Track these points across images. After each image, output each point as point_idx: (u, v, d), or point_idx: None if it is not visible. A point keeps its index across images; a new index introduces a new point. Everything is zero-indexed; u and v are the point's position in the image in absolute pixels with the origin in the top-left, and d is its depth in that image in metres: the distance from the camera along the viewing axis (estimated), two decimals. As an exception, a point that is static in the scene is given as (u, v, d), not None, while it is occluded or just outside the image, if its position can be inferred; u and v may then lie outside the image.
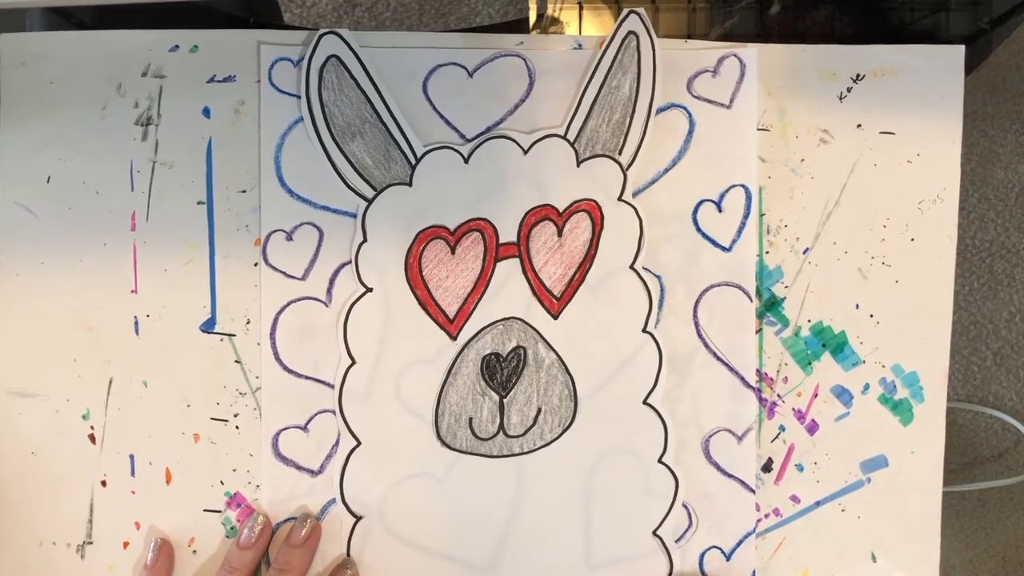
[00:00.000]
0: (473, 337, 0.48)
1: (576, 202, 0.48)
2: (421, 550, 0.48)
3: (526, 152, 0.48)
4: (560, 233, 0.48)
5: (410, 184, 0.48)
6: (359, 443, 0.48)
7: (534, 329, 0.48)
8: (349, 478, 0.48)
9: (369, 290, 0.48)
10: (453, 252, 0.48)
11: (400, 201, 0.48)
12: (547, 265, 0.48)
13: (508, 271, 0.48)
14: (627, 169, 0.48)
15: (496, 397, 0.48)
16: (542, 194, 0.48)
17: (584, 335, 0.48)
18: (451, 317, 0.48)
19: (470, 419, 0.48)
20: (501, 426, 0.48)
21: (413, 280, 0.48)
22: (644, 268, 0.48)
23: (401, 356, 0.48)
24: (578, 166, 0.48)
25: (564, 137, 0.48)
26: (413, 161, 0.48)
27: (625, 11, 0.48)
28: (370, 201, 0.48)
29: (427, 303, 0.48)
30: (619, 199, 0.48)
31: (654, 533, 0.49)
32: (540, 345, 0.48)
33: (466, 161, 0.48)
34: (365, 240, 0.48)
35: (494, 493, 0.49)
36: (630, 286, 0.48)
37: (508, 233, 0.48)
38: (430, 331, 0.48)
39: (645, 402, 0.48)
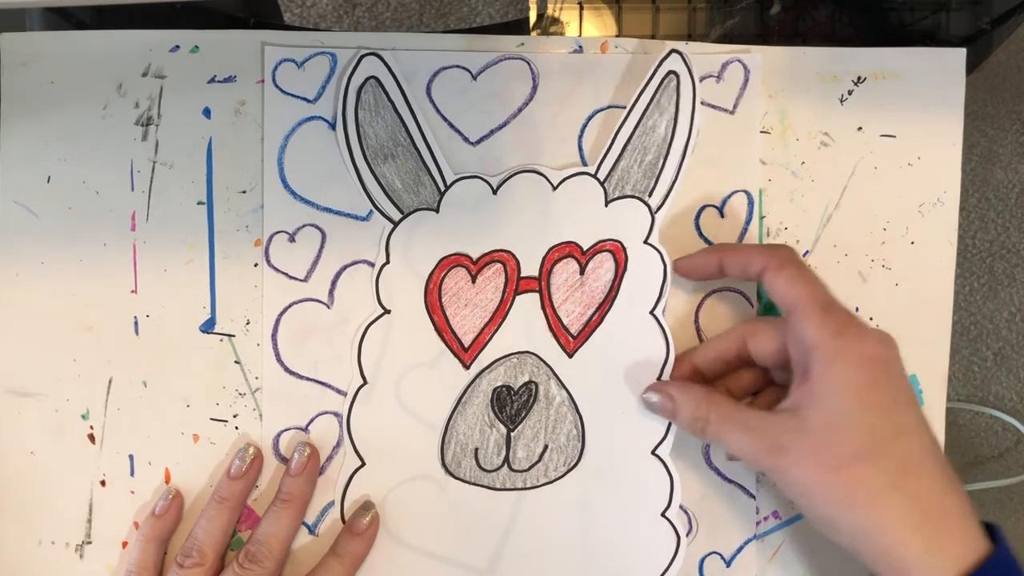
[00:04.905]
0: (486, 368, 0.48)
1: (601, 241, 0.48)
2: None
3: (555, 188, 0.48)
4: (582, 271, 0.48)
5: (437, 211, 0.48)
6: (363, 463, 0.48)
7: (548, 365, 0.48)
8: (351, 497, 0.48)
9: (387, 312, 0.48)
10: (474, 281, 0.48)
11: (426, 227, 0.48)
12: (566, 303, 0.48)
13: (527, 305, 0.48)
14: (656, 212, 0.48)
15: (504, 430, 0.48)
16: (568, 231, 0.48)
17: (598, 377, 0.48)
18: (466, 346, 0.48)
19: (476, 449, 0.48)
20: (506, 459, 0.48)
21: (432, 306, 0.48)
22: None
23: (413, 381, 0.48)
24: (606, 205, 0.48)
25: (594, 176, 0.48)
26: (442, 188, 0.48)
27: (667, 49, 0.47)
28: (396, 224, 0.48)
29: (443, 330, 0.48)
30: (645, 242, 0.48)
31: None
32: (552, 382, 0.48)
33: (494, 192, 0.48)
34: (388, 262, 0.48)
35: (493, 520, 0.48)
36: (648, 332, 0.48)
37: (530, 267, 0.48)
38: (444, 358, 0.48)
39: (654, 452, 0.48)
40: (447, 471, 0.48)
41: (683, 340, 0.49)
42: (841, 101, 0.50)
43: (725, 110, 0.49)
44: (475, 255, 0.48)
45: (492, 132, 0.49)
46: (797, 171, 0.50)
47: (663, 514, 0.48)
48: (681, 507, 0.49)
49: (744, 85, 0.49)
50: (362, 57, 0.47)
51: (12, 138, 0.48)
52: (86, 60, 0.48)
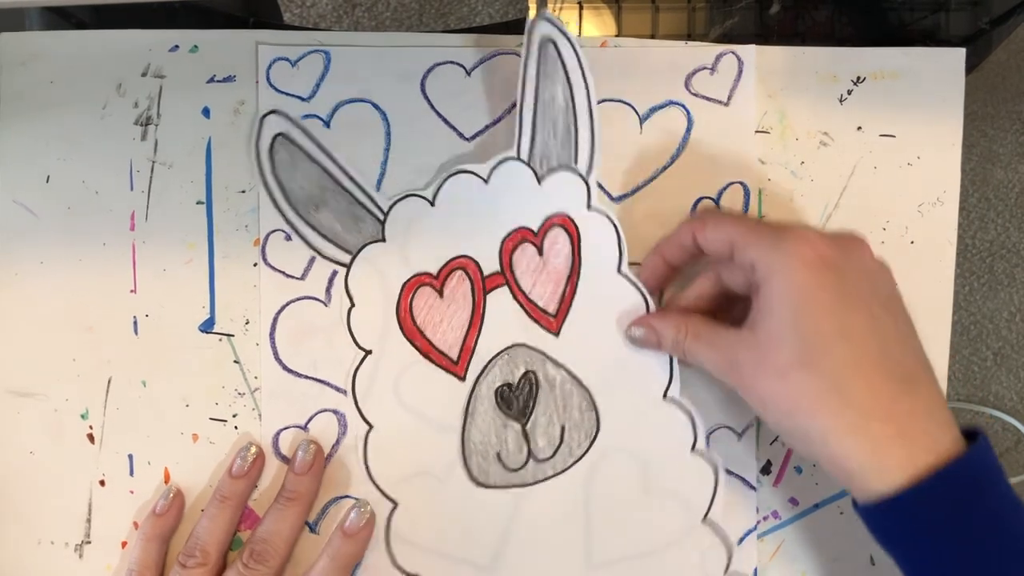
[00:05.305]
0: (481, 373, 0.48)
1: (548, 218, 0.48)
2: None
3: (487, 181, 0.47)
4: (541, 252, 0.48)
5: (384, 239, 0.48)
6: (396, 504, 0.48)
7: (538, 351, 0.48)
8: (395, 539, 0.48)
9: (368, 353, 0.48)
10: (441, 295, 0.48)
11: (378, 258, 0.48)
12: (536, 286, 0.48)
13: (499, 301, 0.48)
14: (587, 177, 0.47)
15: (518, 426, 0.48)
16: (514, 219, 0.48)
17: (589, 345, 0.48)
18: (455, 359, 0.48)
19: (497, 453, 0.48)
20: (529, 453, 0.48)
21: (409, 333, 0.48)
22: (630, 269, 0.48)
23: (416, 410, 0.48)
24: (540, 183, 0.47)
25: (517, 158, 0.47)
26: (381, 216, 0.48)
27: (531, 19, 0.46)
28: (349, 266, 0.48)
29: (429, 352, 0.48)
30: (588, 208, 0.48)
31: (704, 520, 0.48)
32: (548, 365, 0.48)
33: (432, 204, 0.48)
34: (353, 305, 0.48)
35: (531, 512, 0.48)
36: (622, 290, 0.48)
37: (491, 264, 0.48)
38: (438, 378, 0.48)
39: (665, 397, 0.48)
40: (477, 483, 0.48)
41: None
42: (840, 101, 0.50)
43: (719, 102, 0.49)
44: (435, 270, 0.48)
45: (487, 127, 0.49)
46: (796, 171, 0.50)
47: (693, 450, 0.48)
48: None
49: (738, 77, 0.49)
50: (264, 117, 0.47)
51: (11, 138, 0.48)
52: (85, 60, 0.48)
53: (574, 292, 0.48)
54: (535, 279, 0.48)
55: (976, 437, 0.39)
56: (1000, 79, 1.25)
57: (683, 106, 0.49)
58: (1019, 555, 0.37)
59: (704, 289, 0.46)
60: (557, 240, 0.48)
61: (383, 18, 1.16)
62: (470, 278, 0.48)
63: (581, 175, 0.47)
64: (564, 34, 0.46)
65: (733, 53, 0.49)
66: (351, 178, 0.48)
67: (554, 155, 0.47)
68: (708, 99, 0.49)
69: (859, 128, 0.50)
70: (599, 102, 0.48)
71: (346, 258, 0.48)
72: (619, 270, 0.48)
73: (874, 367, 0.39)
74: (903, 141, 0.50)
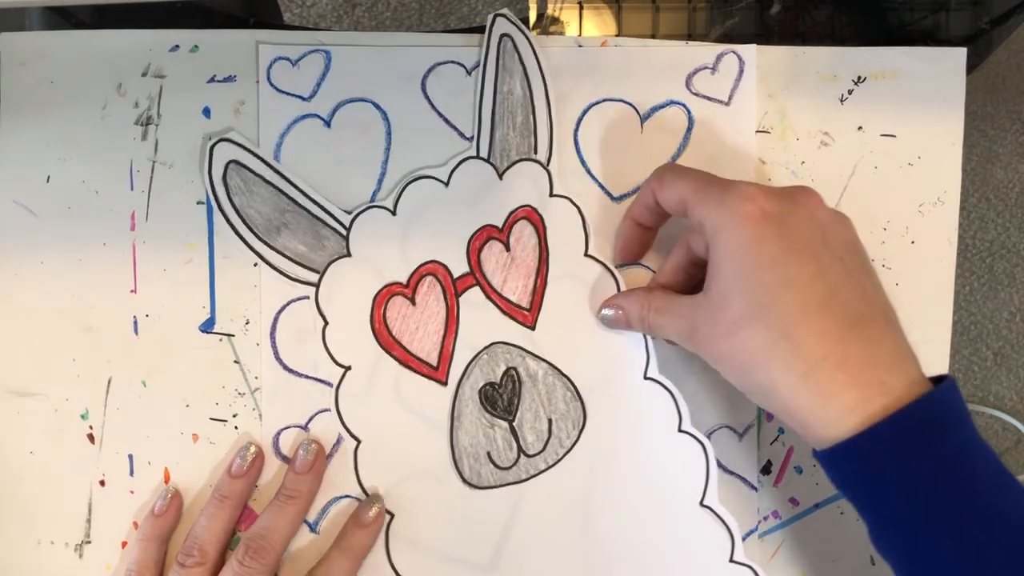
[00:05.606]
0: (463, 375, 0.48)
1: (512, 212, 0.48)
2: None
3: (447, 184, 0.48)
4: (508, 247, 0.48)
5: (350, 254, 0.48)
6: (392, 516, 0.48)
7: (517, 347, 0.48)
8: (395, 546, 0.48)
9: (348, 369, 0.48)
10: (414, 303, 0.48)
11: (346, 274, 0.48)
12: (507, 282, 0.48)
13: (473, 301, 0.48)
14: (548, 165, 0.48)
15: (505, 424, 0.48)
16: (477, 218, 0.48)
17: (566, 334, 0.48)
18: (435, 365, 0.48)
19: (488, 453, 0.48)
20: (520, 449, 0.48)
21: (386, 344, 0.48)
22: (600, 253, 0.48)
23: (402, 420, 0.48)
24: (501, 178, 0.48)
25: (477, 156, 0.48)
26: (344, 232, 0.48)
27: (490, 17, 0.48)
28: (317, 285, 0.48)
29: (408, 361, 0.48)
30: (551, 196, 0.48)
31: (701, 504, 0.48)
32: (528, 359, 0.48)
33: (394, 213, 0.48)
34: (327, 323, 0.48)
35: (531, 509, 0.48)
36: (592, 273, 0.48)
37: (460, 266, 0.48)
38: (420, 385, 0.48)
39: (646, 377, 0.48)
40: (471, 486, 0.48)
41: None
42: (841, 101, 0.50)
43: (720, 102, 0.49)
44: (404, 278, 0.48)
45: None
46: (797, 171, 0.50)
47: (680, 430, 0.48)
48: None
49: (739, 77, 0.49)
50: (213, 146, 0.47)
51: (12, 138, 0.48)
52: (86, 60, 0.48)
53: (545, 283, 0.48)
54: (505, 275, 0.48)
55: (943, 382, 0.38)
56: (1000, 79, 1.25)
57: (684, 106, 0.49)
58: (974, 500, 0.36)
59: (679, 260, 0.46)
60: (523, 233, 0.48)
61: (383, 18, 1.16)
62: (440, 282, 0.48)
63: (541, 163, 0.48)
64: (521, 30, 0.48)
65: (734, 53, 0.49)
66: (309, 197, 0.48)
67: (514, 147, 0.48)
68: (709, 99, 0.49)
69: (859, 128, 0.50)
70: (600, 102, 0.49)
71: (314, 278, 0.48)
72: (586, 253, 0.48)
73: (821, 313, 0.38)
74: (903, 141, 0.50)
